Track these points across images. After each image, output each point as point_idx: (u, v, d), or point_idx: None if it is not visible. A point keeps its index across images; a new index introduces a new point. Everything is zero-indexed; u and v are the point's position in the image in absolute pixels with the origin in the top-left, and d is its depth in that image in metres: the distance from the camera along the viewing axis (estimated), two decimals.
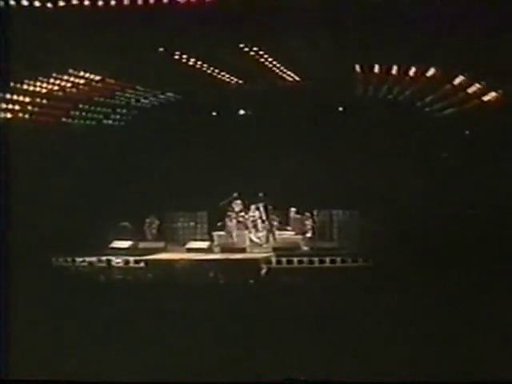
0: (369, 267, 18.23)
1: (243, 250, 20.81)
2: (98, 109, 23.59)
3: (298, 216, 22.06)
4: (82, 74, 21.72)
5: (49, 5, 17.22)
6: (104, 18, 17.56)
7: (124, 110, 24.32)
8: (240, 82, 24.19)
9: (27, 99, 20.95)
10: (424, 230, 18.27)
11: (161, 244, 21.53)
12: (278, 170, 21.11)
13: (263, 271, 18.97)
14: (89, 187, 20.54)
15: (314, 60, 20.93)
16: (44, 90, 21.39)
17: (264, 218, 21.83)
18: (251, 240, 21.62)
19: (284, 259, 19.26)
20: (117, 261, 19.79)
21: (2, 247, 15.39)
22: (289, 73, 23.49)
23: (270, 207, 21.86)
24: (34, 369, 12.09)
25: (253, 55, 21.14)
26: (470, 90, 21.49)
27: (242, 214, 21.77)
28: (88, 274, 19.40)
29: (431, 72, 21.72)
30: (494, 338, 13.26)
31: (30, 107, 21.19)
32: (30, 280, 15.36)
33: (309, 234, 21.57)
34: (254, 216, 21.80)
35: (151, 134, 22.62)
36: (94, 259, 19.70)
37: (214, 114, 24.24)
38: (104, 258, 19.80)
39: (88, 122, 23.37)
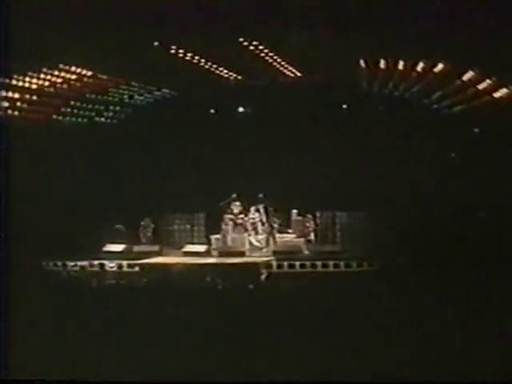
0: (374, 272, 18.09)
1: (242, 254, 20.56)
2: (91, 106, 23.48)
3: (300, 218, 21.82)
4: (78, 70, 21.78)
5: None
6: (97, 11, 17.52)
7: (117, 108, 24.23)
8: (239, 77, 24.18)
9: (16, 95, 20.85)
10: (433, 232, 18.18)
11: (156, 247, 21.29)
12: (278, 170, 21.21)
13: (263, 276, 18.75)
14: (81, 188, 20.52)
15: (317, 54, 20.81)
16: (34, 86, 21.30)
17: (264, 220, 21.56)
18: (251, 243, 21.33)
19: (285, 263, 19.01)
20: (110, 265, 19.57)
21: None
22: (290, 68, 23.53)
23: (270, 209, 21.58)
24: (34, 369, 12.21)
25: (252, 49, 21.12)
26: (481, 87, 21.43)
27: (242, 215, 21.48)
28: (80, 279, 19.19)
29: (439, 67, 21.71)
30: (504, 342, 12.88)
31: (20, 104, 21.11)
32: (23, 283, 15.07)
33: (311, 237, 21.42)
34: (253, 218, 21.52)
35: (146, 132, 22.57)
36: (85, 263, 19.60)
37: (212, 111, 24.25)
38: (97, 262, 19.58)
39: (80, 120, 23.24)
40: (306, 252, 20.62)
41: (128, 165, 21.59)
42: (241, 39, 20.29)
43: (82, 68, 21.61)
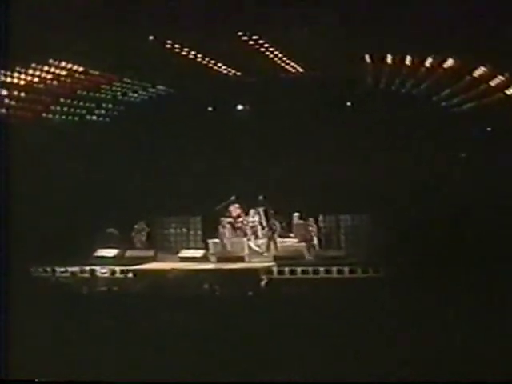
0: (380, 278, 17.85)
1: (241, 259, 20.59)
2: (81, 104, 23.16)
3: (302, 221, 21.65)
4: (69, 66, 21.31)
5: None
6: (89, 4, 16.99)
7: (109, 105, 23.99)
8: (238, 74, 23.83)
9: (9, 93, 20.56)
10: (442, 235, 17.96)
11: (150, 252, 21.35)
12: (279, 171, 21.09)
13: (263, 282, 18.67)
14: (71, 189, 20.35)
15: (319, 50, 20.32)
16: (30, 83, 20.92)
17: (264, 223, 21.59)
18: (250, 248, 21.30)
19: (286, 269, 18.91)
20: (102, 271, 19.53)
21: None
22: (292, 64, 23.08)
23: (270, 212, 21.55)
24: (34, 369, 12.01)
25: (252, 44, 20.55)
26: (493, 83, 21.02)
27: (241, 219, 21.51)
28: (70, 285, 19.01)
29: (449, 63, 21.20)
30: (504, 342, 12.55)
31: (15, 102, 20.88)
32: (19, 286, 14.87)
33: (314, 242, 21.09)
34: (253, 221, 21.58)
35: (140, 131, 22.47)
36: (76, 269, 19.55)
37: (210, 109, 24.20)
38: (88, 267, 19.61)
39: (72, 119, 22.90)
40: (309, 257, 20.47)
41: (122, 165, 21.53)
42: (240, 33, 19.76)
43: (74, 64, 21.27)
